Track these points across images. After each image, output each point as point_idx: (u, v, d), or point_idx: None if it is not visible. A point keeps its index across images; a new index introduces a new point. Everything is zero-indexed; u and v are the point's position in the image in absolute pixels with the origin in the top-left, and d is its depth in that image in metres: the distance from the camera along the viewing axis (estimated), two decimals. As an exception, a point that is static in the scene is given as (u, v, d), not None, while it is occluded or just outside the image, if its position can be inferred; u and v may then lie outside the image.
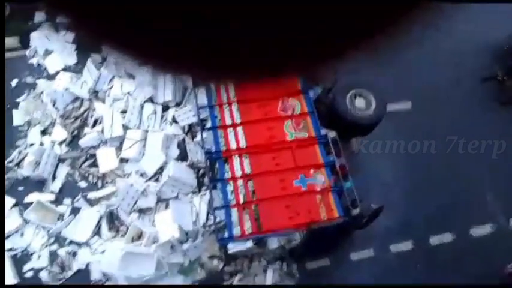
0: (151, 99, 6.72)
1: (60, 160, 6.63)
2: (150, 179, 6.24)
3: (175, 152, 6.38)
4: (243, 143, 5.88)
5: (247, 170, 5.68)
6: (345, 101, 6.38)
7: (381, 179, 8.16)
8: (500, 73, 9.93)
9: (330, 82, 6.69)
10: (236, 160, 5.78)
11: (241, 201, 5.45)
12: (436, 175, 8.44)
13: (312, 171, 5.75)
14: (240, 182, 5.60)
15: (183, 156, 6.24)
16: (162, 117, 6.64)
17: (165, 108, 6.71)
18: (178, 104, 6.65)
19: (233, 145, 5.86)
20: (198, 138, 6.24)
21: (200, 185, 6.04)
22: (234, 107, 6.18)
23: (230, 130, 5.99)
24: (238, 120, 6.06)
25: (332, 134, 5.95)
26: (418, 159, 8.60)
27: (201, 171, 6.15)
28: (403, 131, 8.79)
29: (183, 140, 6.33)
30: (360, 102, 6.48)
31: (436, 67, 9.91)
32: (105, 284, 5.78)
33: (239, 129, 6.00)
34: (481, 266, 7.42)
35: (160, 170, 6.24)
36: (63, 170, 6.59)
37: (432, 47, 10.05)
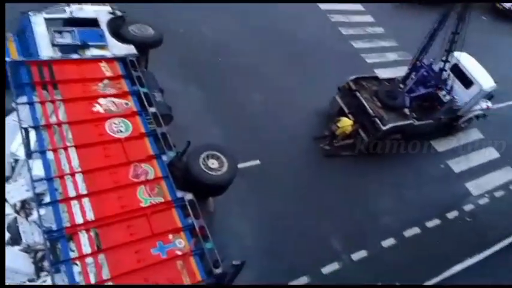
0: (-30, 177, 5.60)
1: None
2: (-32, 274, 4.99)
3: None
4: (90, 216, 5.31)
5: (98, 246, 5.10)
6: (199, 162, 6.46)
7: (238, 236, 8.42)
8: (327, 132, 11.75)
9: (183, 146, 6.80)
10: (83, 236, 5.15)
11: (92, 281, 4.79)
12: (286, 227, 9.15)
13: (170, 236, 5.50)
14: (89, 259, 4.95)
15: (14, 240, 5.23)
16: (-15, 197, 5.54)
17: (-10, 185, 5.65)
18: (6, 179, 5.70)
19: (79, 219, 5.24)
20: (34, 216, 5.38)
21: (39, 271, 5.10)
22: (79, 178, 5.62)
23: (74, 203, 5.36)
24: (83, 192, 5.50)
25: (189, 196, 5.90)
26: (271, 214, 9.24)
27: (40, 255, 5.23)
28: (255, 187, 9.44)
29: (15, 220, 5.37)
30: (213, 163, 6.64)
31: (278, 129, 11.18)
32: None
33: (85, 200, 5.42)
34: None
35: (-16, 261, 5.08)
36: None
37: (276, 114, 11.47)
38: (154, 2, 12.42)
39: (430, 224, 10.65)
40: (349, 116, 11.68)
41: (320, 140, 11.61)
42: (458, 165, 12.71)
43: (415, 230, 10.34)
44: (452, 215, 11.20)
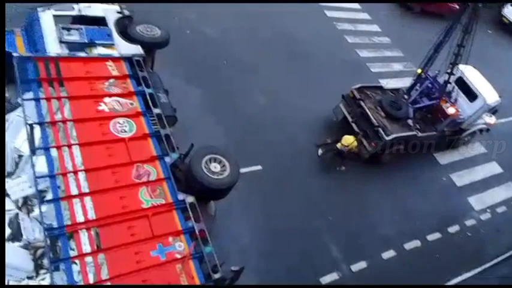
0: (-28, 171, 5.57)
1: None
2: (-33, 269, 4.95)
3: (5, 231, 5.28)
4: (91, 215, 5.28)
5: (98, 245, 5.07)
6: (201, 166, 6.43)
7: (238, 241, 8.37)
8: (330, 139, 11.71)
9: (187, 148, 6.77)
10: (84, 235, 5.11)
11: (91, 281, 4.75)
12: (286, 234, 9.09)
13: (170, 239, 5.46)
14: (88, 259, 4.92)
15: (15, 236, 5.20)
16: (-13, 191, 5.51)
17: (-8, 180, 5.62)
18: (9, 174, 5.67)
19: (80, 218, 5.21)
20: (36, 213, 5.36)
21: (38, 268, 5.06)
22: (81, 176, 5.60)
23: (76, 201, 5.33)
24: (85, 190, 5.47)
25: (190, 199, 5.86)
26: (272, 220, 9.19)
27: (40, 252, 5.20)
28: (256, 192, 9.40)
29: (16, 216, 5.34)
30: (215, 167, 6.60)
31: (281, 134, 11.15)
32: None
33: (87, 199, 5.39)
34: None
35: (-17, 256, 5.04)
36: None
37: (279, 119, 11.43)
38: (161, 1, 12.45)
39: (430, 237, 10.59)
40: (352, 124, 11.67)
41: (322, 147, 11.54)
42: (460, 178, 12.66)
43: (416, 243, 10.27)
44: (453, 229, 11.14)
